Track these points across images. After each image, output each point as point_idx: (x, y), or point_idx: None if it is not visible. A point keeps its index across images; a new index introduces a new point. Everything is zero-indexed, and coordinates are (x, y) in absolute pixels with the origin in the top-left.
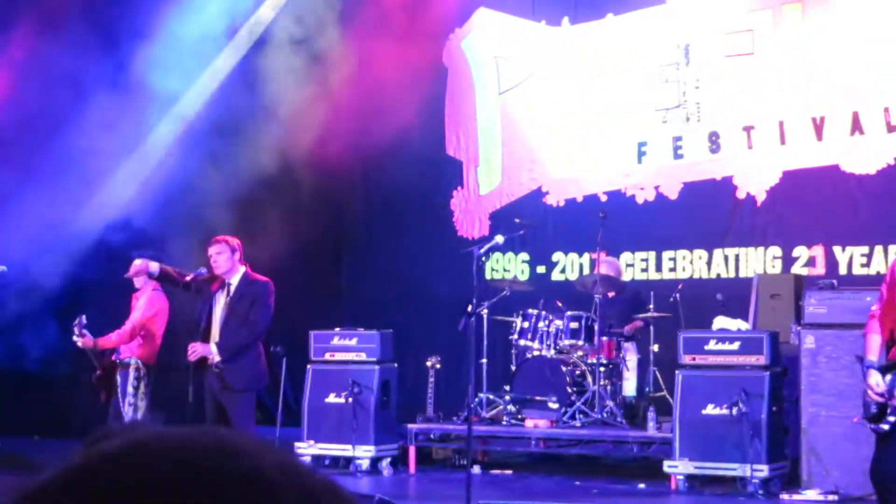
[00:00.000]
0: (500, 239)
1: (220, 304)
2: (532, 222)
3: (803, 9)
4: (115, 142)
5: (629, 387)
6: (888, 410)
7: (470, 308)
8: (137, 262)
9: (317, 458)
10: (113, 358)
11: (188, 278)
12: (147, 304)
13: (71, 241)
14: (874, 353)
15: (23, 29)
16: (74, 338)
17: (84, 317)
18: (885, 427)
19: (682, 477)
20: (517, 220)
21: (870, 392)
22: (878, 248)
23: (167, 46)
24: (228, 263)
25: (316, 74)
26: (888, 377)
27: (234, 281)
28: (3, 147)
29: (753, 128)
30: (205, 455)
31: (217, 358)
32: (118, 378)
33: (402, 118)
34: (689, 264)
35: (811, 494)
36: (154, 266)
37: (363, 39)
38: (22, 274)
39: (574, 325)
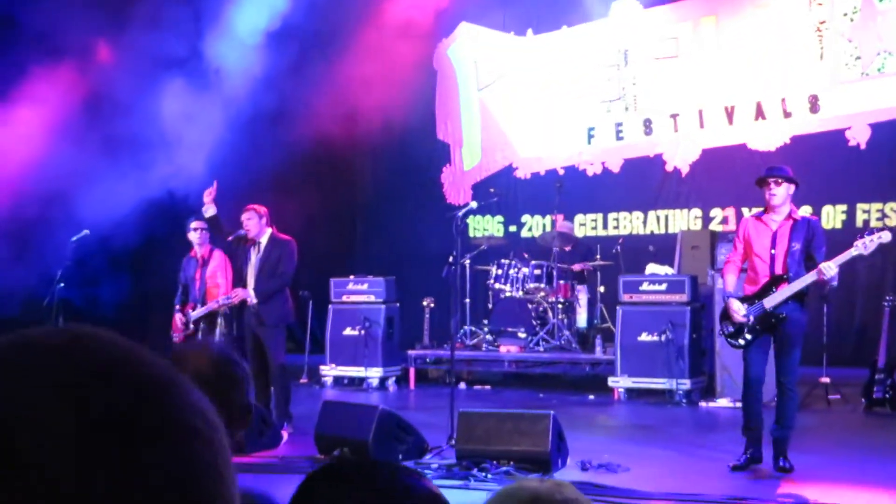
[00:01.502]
0: (473, 204)
1: (253, 258)
2: (503, 192)
3: (717, 21)
4: (180, 120)
5: (581, 319)
6: (745, 330)
7: (451, 259)
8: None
9: (337, 378)
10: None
11: (230, 238)
12: (225, 262)
13: (141, 207)
14: (731, 287)
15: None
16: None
17: (189, 312)
18: (742, 342)
19: (622, 389)
20: (492, 190)
21: (734, 316)
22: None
23: (228, 39)
24: (257, 227)
25: (336, 71)
26: (745, 305)
27: (263, 240)
28: (89, 125)
29: (678, 115)
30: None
31: (254, 300)
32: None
33: (402, 109)
34: (628, 223)
35: (723, 402)
36: (212, 210)
37: (372, 44)
38: (100, 235)
39: (537, 271)
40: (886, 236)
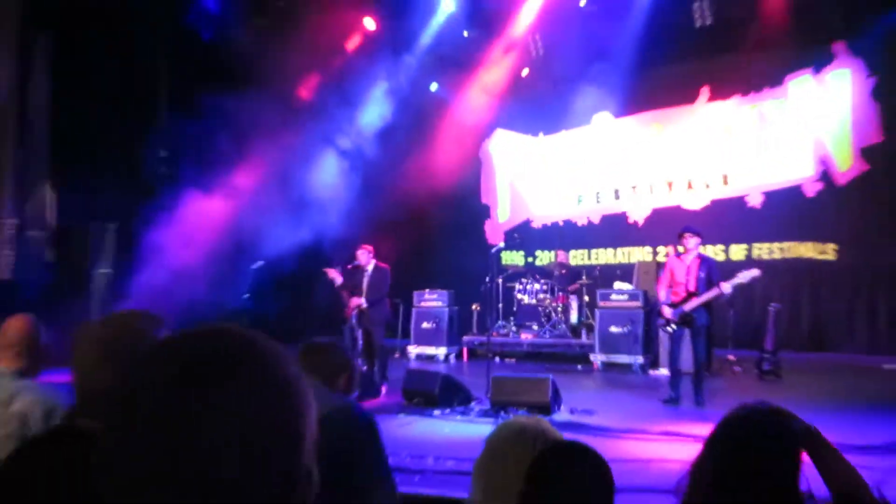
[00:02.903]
0: (502, 244)
1: (364, 279)
2: (523, 236)
3: (662, 127)
4: (324, 186)
5: (573, 318)
6: (671, 323)
7: (487, 279)
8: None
9: (418, 355)
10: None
11: (349, 266)
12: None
13: (297, 245)
14: (663, 298)
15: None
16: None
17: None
18: (670, 330)
19: (599, 363)
20: (516, 235)
21: (665, 314)
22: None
23: (355, 129)
24: (367, 259)
25: (418, 153)
26: (671, 309)
27: (370, 268)
28: (271, 190)
29: (636, 186)
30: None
31: (365, 305)
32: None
33: (459, 182)
34: (603, 256)
35: (662, 371)
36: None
37: (441, 138)
38: (270, 265)
39: (545, 287)
40: (752, 273)
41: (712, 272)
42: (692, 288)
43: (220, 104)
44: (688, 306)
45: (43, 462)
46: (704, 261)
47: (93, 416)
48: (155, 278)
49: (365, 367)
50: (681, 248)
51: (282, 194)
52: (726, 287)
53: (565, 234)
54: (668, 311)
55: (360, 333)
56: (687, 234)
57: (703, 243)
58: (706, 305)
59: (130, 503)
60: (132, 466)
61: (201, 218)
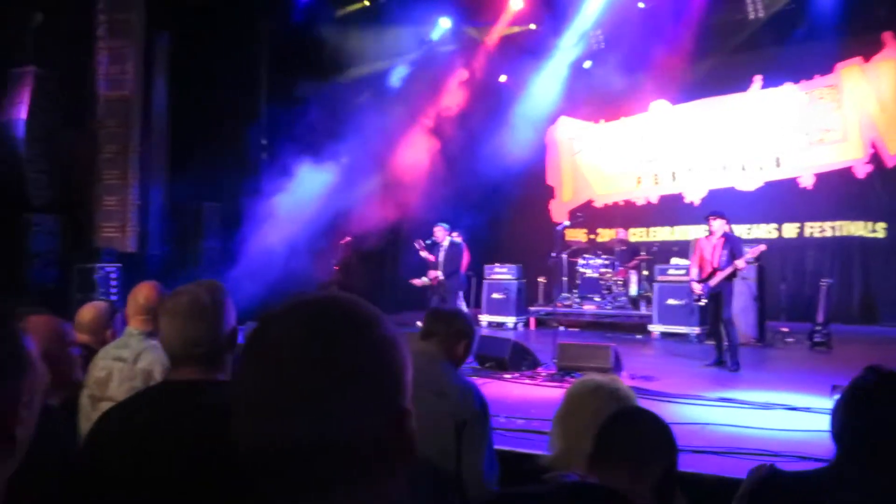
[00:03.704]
0: (567, 223)
1: (441, 253)
2: (586, 215)
3: (718, 114)
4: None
5: (633, 290)
6: (702, 297)
7: (553, 254)
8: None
9: (490, 323)
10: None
11: (428, 241)
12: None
13: (383, 222)
14: (694, 275)
15: None
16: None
17: (433, 273)
18: (702, 303)
19: (657, 333)
20: (579, 214)
21: (695, 290)
22: (752, 226)
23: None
24: (443, 235)
25: (493, 140)
26: (700, 285)
27: (446, 243)
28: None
29: (692, 169)
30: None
31: (441, 277)
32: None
33: (528, 165)
34: (662, 234)
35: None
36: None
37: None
38: (357, 240)
39: (606, 262)
40: (759, 248)
41: (735, 250)
42: (717, 264)
43: (314, 91)
44: (712, 282)
45: (155, 406)
46: (729, 240)
47: (192, 365)
48: (256, 251)
49: None
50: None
51: (370, 174)
52: (740, 263)
53: (625, 214)
54: (697, 287)
55: (438, 303)
56: (712, 218)
57: (749, 222)
58: (727, 279)
59: (265, 441)
60: (270, 409)
61: (297, 196)
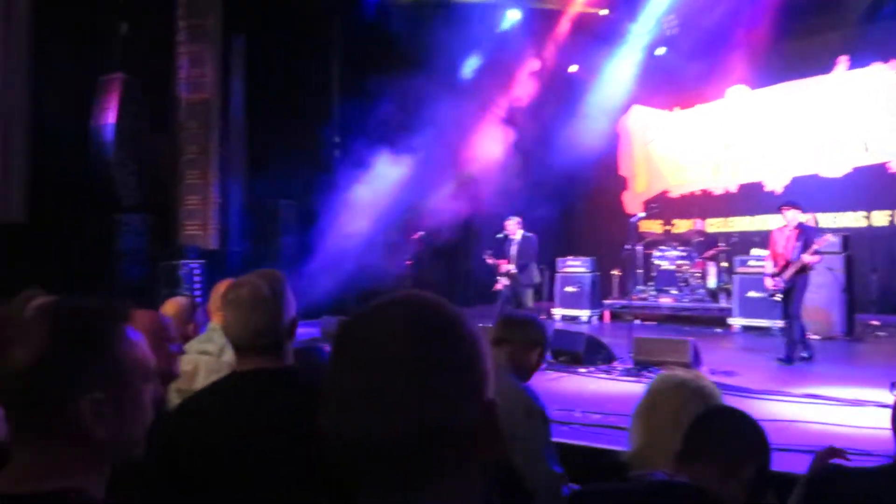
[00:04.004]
0: (640, 214)
1: (513, 247)
2: (661, 205)
3: (800, 98)
4: (478, 150)
5: (711, 283)
6: (775, 292)
7: (628, 246)
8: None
9: (563, 316)
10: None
11: (498, 235)
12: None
13: (454, 217)
14: (768, 268)
15: None
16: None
17: (490, 252)
18: (777, 299)
19: (738, 326)
20: (654, 205)
21: (766, 285)
22: (839, 214)
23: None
24: (515, 229)
25: (566, 132)
26: (774, 279)
27: (518, 236)
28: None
29: (773, 156)
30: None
31: (514, 271)
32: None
33: (598, 156)
34: (741, 224)
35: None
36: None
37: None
38: (429, 235)
39: (683, 253)
40: (825, 239)
41: (809, 242)
42: (790, 257)
43: (386, 86)
44: (785, 275)
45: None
46: (803, 231)
47: (255, 355)
48: (331, 247)
49: None
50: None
51: (442, 168)
52: (806, 257)
53: (702, 203)
54: (769, 282)
55: (510, 297)
56: (785, 207)
57: (843, 210)
58: (800, 271)
59: (361, 435)
60: (367, 404)
61: (370, 192)
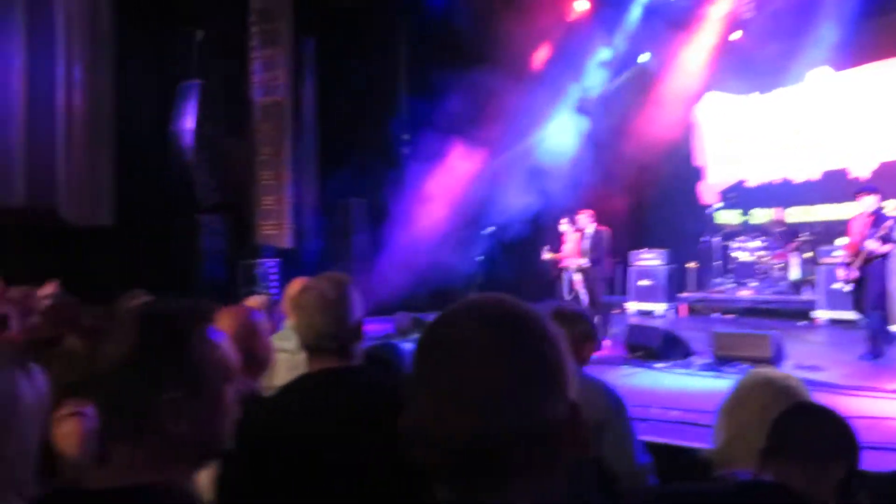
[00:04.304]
0: (717, 204)
1: (586, 241)
2: (739, 195)
3: (888, 78)
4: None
5: (794, 274)
6: (848, 283)
7: (704, 237)
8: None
9: (638, 311)
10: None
11: (572, 229)
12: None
13: (524, 211)
14: (843, 256)
15: None
16: (545, 255)
17: (548, 247)
18: (846, 289)
19: (823, 319)
20: (731, 195)
21: (839, 275)
22: None
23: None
24: (587, 222)
25: (637, 122)
26: (845, 270)
27: (590, 230)
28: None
29: (859, 140)
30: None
31: (586, 265)
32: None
33: (672, 146)
34: (824, 213)
35: (893, 327)
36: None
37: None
38: (499, 230)
39: (763, 244)
40: (886, 227)
41: (881, 229)
42: (862, 245)
43: (454, 80)
44: (855, 264)
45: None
46: (879, 218)
47: (320, 356)
48: (402, 244)
49: None
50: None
51: (512, 161)
52: (870, 243)
53: (782, 192)
54: (840, 273)
55: (583, 292)
56: (861, 194)
57: None
58: (875, 259)
59: (449, 435)
60: (457, 404)
61: (440, 188)
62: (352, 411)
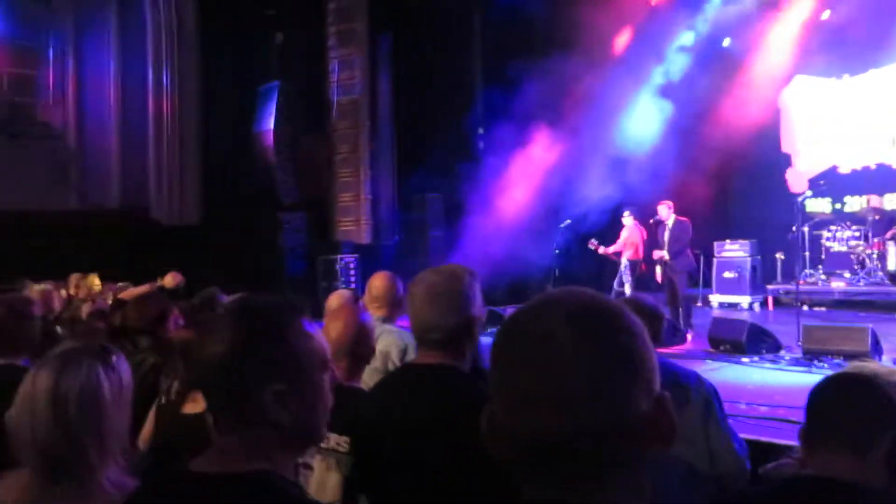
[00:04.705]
0: (809, 192)
1: (666, 232)
2: (830, 182)
3: None
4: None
5: (891, 265)
6: None
7: (794, 227)
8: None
9: (721, 303)
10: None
11: (651, 221)
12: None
13: (602, 202)
14: None
15: None
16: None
17: (594, 240)
18: None
19: None
20: (822, 182)
21: None
22: None
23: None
24: (668, 214)
25: (722, 110)
26: None
27: (670, 221)
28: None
29: None
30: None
31: (667, 258)
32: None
33: (758, 133)
34: None
35: None
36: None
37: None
38: (575, 223)
39: (857, 233)
40: None
41: None
42: None
43: (530, 71)
44: None
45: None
46: None
47: (430, 349)
48: (479, 238)
49: (669, 315)
50: None
51: (590, 151)
52: None
53: (878, 178)
54: None
55: (666, 282)
56: None
57: None
58: None
59: (540, 432)
60: (546, 401)
61: (517, 180)
62: (437, 408)
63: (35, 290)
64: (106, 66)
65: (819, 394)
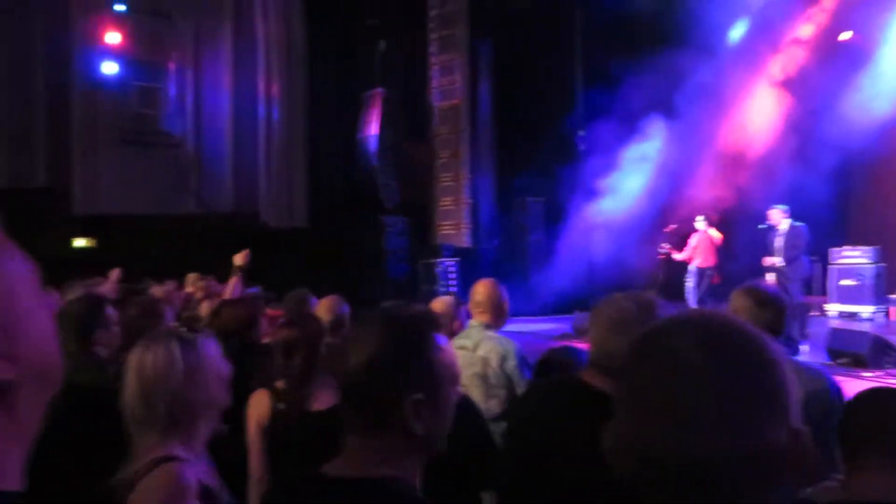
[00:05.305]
0: None
1: (779, 237)
2: None
3: None
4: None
5: None
6: None
7: None
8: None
9: (840, 312)
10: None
11: (763, 225)
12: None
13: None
14: None
15: None
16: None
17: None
18: None
19: None
20: None
21: None
22: None
23: None
24: (779, 218)
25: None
26: None
27: (784, 226)
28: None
29: None
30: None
31: (780, 264)
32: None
33: (886, 132)
34: None
35: None
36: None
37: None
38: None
39: None
40: None
41: None
42: None
43: (632, 69)
44: None
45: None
46: None
47: (602, 374)
48: (580, 243)
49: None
50: None
51: (698, 152)
52: None
53: None
54: None
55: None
56: None
57: None
58: None
59: (656, 450)
60: (664, 420)
61: (619, 183)
62: (572, 424)
63: (159, 289)
64: (221, 77)
65: (856, 410)
